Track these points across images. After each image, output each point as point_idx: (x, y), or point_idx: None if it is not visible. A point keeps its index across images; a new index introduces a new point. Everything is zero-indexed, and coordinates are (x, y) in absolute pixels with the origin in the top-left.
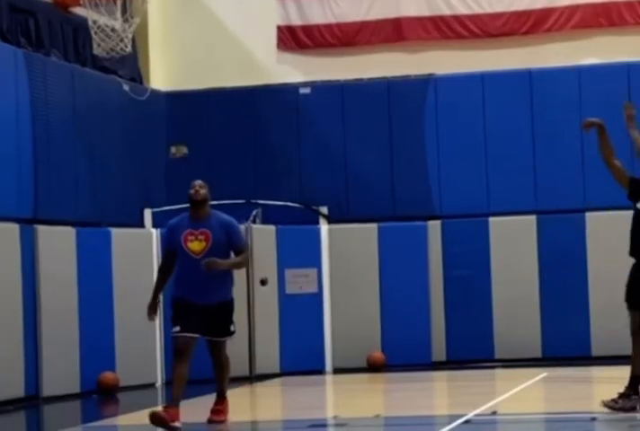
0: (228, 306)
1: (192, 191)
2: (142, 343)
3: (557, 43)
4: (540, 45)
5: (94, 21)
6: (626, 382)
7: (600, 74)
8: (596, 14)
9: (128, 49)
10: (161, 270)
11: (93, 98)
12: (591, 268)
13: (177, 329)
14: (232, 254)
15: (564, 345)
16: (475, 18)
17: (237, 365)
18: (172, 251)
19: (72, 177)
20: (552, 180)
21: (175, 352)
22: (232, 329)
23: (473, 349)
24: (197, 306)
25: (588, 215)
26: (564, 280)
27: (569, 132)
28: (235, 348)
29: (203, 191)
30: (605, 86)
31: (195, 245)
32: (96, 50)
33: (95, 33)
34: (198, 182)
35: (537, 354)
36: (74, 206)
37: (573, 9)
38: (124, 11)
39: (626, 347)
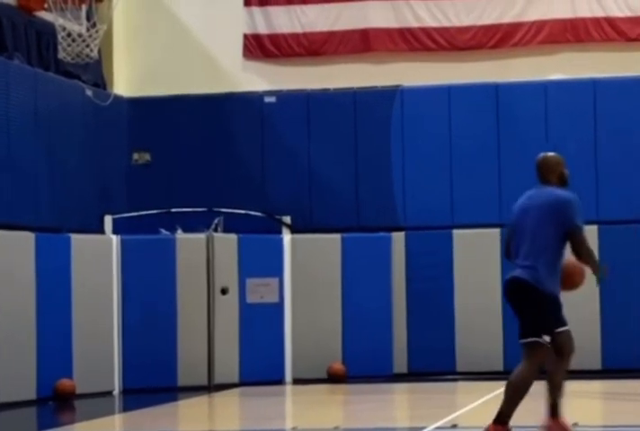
0: None
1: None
2: (100, 350)
3: (524, 58)
4: (507, 59)
5: (61, 26)
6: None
7: (566, 89)
8: (563, 30)
9: (94, 55)
10: None
11: (56, 103)
12: None
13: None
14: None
15: None
16: (442, 31)
17: (196, 374)
18: None
19: (32, 182)
20: (516, 193)
21: (571, 351)
22: None
23: (434, 362)
24: None
25: None
26: None
27: (534, 146)
28: (193, 357)
29: None
30: (571, 101)
31: None
32: (61, 55)
33: (62, 38)
34: None
35: (499, 367)
36: (33, 211)
37: (540, 24)
38: (90, 16)
39: (590, 361)
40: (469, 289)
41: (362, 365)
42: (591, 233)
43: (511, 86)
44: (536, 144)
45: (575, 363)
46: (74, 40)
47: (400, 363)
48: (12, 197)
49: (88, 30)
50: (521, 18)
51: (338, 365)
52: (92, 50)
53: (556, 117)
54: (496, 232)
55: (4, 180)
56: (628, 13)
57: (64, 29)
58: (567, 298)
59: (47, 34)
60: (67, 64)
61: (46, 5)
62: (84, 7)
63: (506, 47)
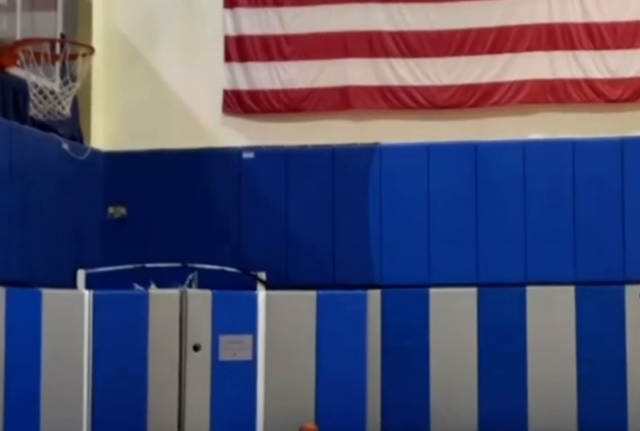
0: None
1: None
2: (69, 406)
3: (504, 117)
4: (487, 118)
5: (33, 83)
6: None
7: (545, 149)
8: (543, 90)
9: (66, 112)
10: None
11: (31, 155)
12: (530, 342)
13: None
14: None
15: (501, 419)
16: (422, 89)
17: None
18: None
19: (4, 234)
20: (494, 252)
21: None
22: None
23: (408, 421)
24: None
25: (528, 288)
26: (503, 353)
27: (512, 205)
28: (164, 414)
29: None
30: (550, 161)
31: None
32: (33, 112)
33: (34, 95)
34: None
35: (474, 428)
36: (4, 264)
37: (520, 84)
38: (64, 73)
39: (564, 424)
40: (445, 348)
41: (335, 424)
42: (569, 293)
43: (490, 145)
44: (514, 203)
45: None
46: (45, 98)
47: (373, 422)
48: None
49: (61, 87)
50: (501, 78)
51: (310, 425)
52: (64, 108)
53: (535, 176)
54: (473, 291)
55: None
56: (607, 75)
57: (36, 86)
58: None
59: (21, 90)
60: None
61: (18, 62)
62: (57, 64)
63: (485, 106)
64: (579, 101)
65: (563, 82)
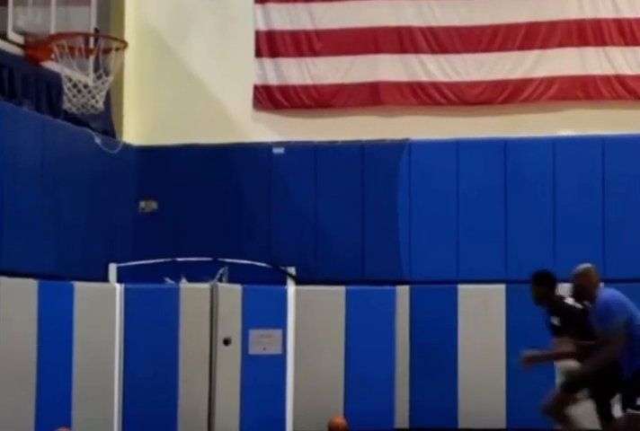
0: None
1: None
2: (100, 399)
3: (534, 113)
4: (516, 115)
5: (67, 77)
6: None
7: (574, 145)
8: (573, 87)
9: (100, 106)
10: None
11: (64, 150)
12: None
13: None
14: None
15: (530, 417)
16: (452, 85)
17: (196, 425)
18: None
19: (37, 228)
20: (523, 249)
21: None
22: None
23: (437, 417)
24: None
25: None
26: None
27: (542, 202)
28: (194, 408)
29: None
30: (579, 158)
31: None
32: (67, 105)
33: (68, 89)
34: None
35: (502, 425)
36: (37, 258)
37: (550, 81)
38: (97, 67)
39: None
40: (473, 344)
41: (364, 419)
42: None
43: (520, 142)
44: (543, 199)
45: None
46: (79, 91)
47: (402, 417)
48: (17, 243)
49: (94, 81)
50: (531, 74)
51: (339, 419)
52: (97, 101)
53: (564, 173)
54: (501, 287)
55: (9, 227)
56: (638, 71)
57: (70, 80)
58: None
59: (55, 84)
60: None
61: (53, 56)
62: (91, 58)
63: (515, 102)
64: (609, 98)
65: (593, 78)
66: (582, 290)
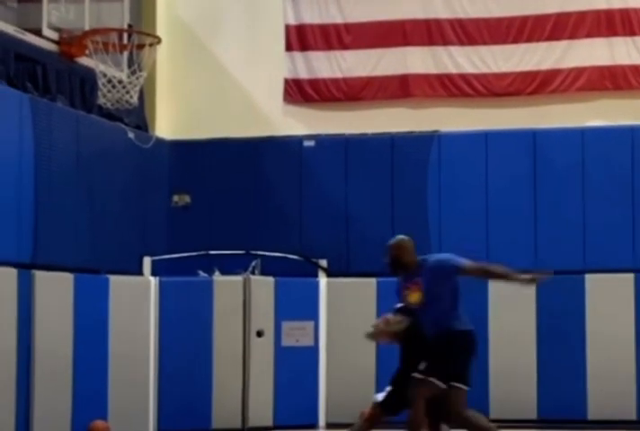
0: None
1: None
2: (135, 391)
3: (562, 104)
4: (545, 105)
5: (102, 73)
6: None
7: (603, 136)
8: (602, 77)
9: (134, 101)
10: None
11: (98, 144)
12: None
13: None
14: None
15: None
16: (481, 77)
17: (230, 417)
18: None
19: (72, 223)
20: (552, 240)
21: None
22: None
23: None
24: None
25: (586, 276)
26: (561, 345)
27: (571, 193)
28: (228, 399)
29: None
30: (608, 148)
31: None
32: (101, 101)
33: (102, 84)
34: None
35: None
36: (73, 251)
37: (579, 71)
38: (131, 62)
39: None
40: (504, 336)
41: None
42: (627, 281)
43: (549, 133)
44: (573, 190)
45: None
46: (114, 87)
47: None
48: (51, 237)
49: (129, 76)
50: (560, 65)
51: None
52: (132, 97)
53: (594, 163)
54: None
55: (45, 221)
56: None
57: (104, 75)
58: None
59: (89, 79)
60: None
61: (87, 51)
62: (125, 54)
63: (544, 93)
64: (638, 88)
65: (622, 68)
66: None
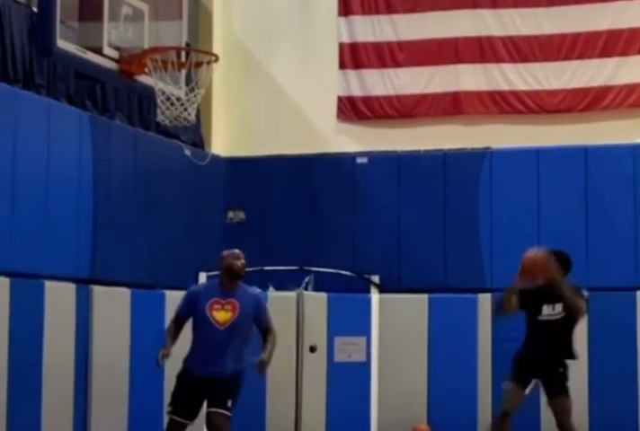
0: (234, 378)
1: (239, 264)
2: None
3: (614, 121)
4: (597, 122)
5: (161, 90)
6: None
7: None
8: None
9: (192, 118)
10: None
11: (155, 161)
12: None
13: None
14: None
15: None
16: (532, 94)
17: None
18: (184, 318)
19: (129, 238)
20: (604, 257)
21: None
22: (229, 404)
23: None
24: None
25: (639, 293)
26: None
27: (623, 210)
28: (282, 415)
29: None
30: None
31: (221, 315)
32: (160, 118)
33: (161, 102)
34: (241, 254)
35: None
36: (130, 267)
37: (630, 88)
38: (189, 80)
39: None
40: None
41: (448, 426)
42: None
43: (600, 149)
44: (624, 207)
45: None
46: (172, 104)
47: (485, 425)
48: (110, 253)
49: (187, 94)
50: (611, 82)
51: (423, 426)
52: (189, 114)
53: None
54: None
55: (103, 237)
56: None
57: (163, 93)
58: None
59: (147, 97)
60: (167, 125)
61: (146, 70)
62: (183, 72)
63: (595, 110)
64: None
65: None
66: None
